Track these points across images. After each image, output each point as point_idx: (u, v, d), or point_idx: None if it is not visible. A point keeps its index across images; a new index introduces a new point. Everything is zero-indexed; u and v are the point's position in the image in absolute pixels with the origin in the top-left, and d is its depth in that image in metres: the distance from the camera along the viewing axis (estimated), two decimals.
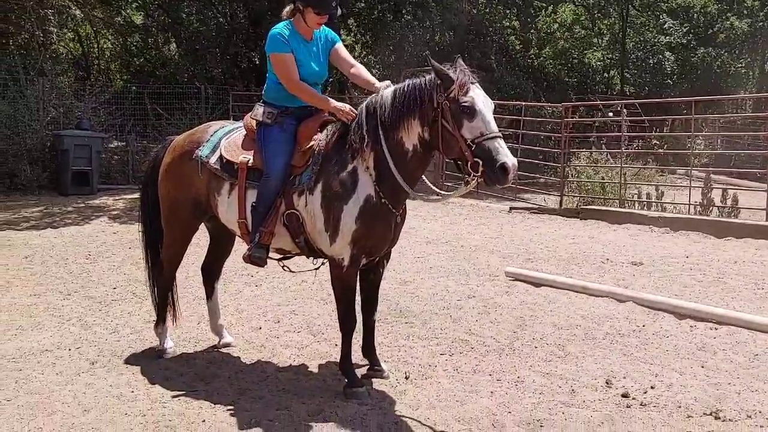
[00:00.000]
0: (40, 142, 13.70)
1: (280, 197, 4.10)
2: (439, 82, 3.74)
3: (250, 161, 4.21)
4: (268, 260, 4.26)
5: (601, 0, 28.42)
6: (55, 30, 14.59)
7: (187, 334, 5.30)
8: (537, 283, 6.88)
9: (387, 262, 4.52)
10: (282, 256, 4.47)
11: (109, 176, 14.81)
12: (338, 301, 4.20)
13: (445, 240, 9.27)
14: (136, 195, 12.78)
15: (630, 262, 7.84)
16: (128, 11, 22.08)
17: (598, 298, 6.35)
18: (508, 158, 3.55)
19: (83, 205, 12.30)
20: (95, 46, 23.55)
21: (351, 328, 4.21)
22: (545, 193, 13.35)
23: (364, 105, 4.02)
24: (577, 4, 30.00)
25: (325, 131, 4.15)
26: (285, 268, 4.51)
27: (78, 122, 13.66)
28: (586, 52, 29.08)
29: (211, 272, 5.10)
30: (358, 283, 4.27)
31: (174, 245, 4.78)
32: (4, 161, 13.30)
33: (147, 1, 21.33)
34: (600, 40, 32.62)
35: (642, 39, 32.48)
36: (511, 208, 12.29)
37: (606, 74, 32.25)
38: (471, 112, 3.62)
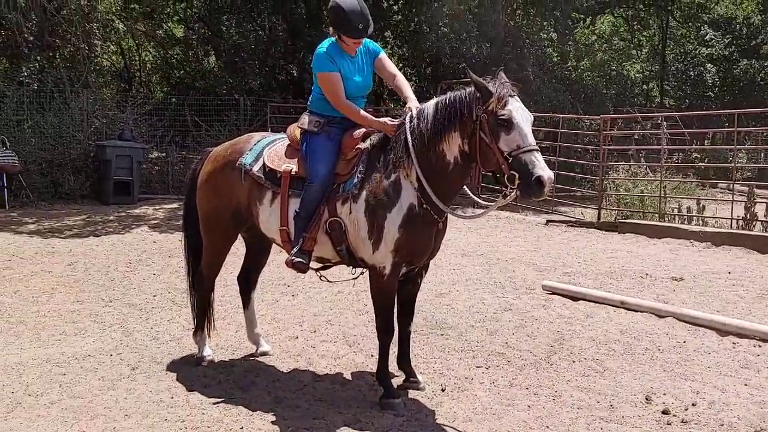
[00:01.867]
0: (84, 152, 14.03)
1: (323, 205, 4.16)
2: (478, 95, 3.77)
3: (294, 170, 4.28)
4: (309, 268, 4.31)
5: (640, 11, 28.09)
6: (99, 42, 14.88)
7: (225, 342, 5.37)
8: (574, 297, 6.81)
9: (425, 272, 4.53)
10: (321, 265, 4.51)
11: (150, 186, 15.10)
12: (377, 311, 4.22)
13: (480, 252, 9.24)
14: (176, 205, 13.14)
15: (670, 277, 7.71)
16: (169, 24, 22.60)
17: (638, 313, 6.25)
18: (544, 171, 3.57)
19: (124, 214, 12.56)
20: (137, 58, 24.09)
21: (389, 337, 4.22)
22: (583, 206, 13.20)
23: (407, 117, 4.07)
24: (616, 15, 29.72)
25: (368, 140, 4.22)
26: (322, 278, 4.54)
27: (120, 133, 13.96)
28: (624, 64, 28.76)
29: (247, 282, 5.16)
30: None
31: (213, 254, 4.86)
32: (49, 170, 13.65)
33: (187, 14, 21.71)
34: (639, 52, 32.26)
35: (682, 51, 32.02)
36: (547, 221, 12.18)
37: (645, 86, 31.83)
38: (508, 124, 3.65)
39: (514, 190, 3.66)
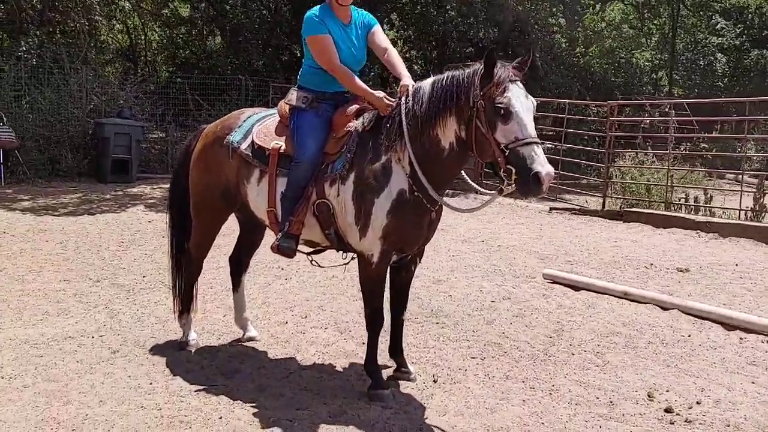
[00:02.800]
0: (82, 129, 13.82)
1: (311, 186, 3.92)
2: (477, 78, 3.48)
3: (282, 147, 4.05)
4: (297, 252, 4.10)
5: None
6: (100, 19, 14.61)
7: (212, 326, 5.18)
8: (576, 287, 6.60)
9: (420, 260, 4.31)
10: (312, 249, 4.30)
11: (149, 165, 14.91)
12: (366, 299, 4.01)
13: (481, 239, 9.03)
14: None
15: (675, 268, 7.49)
16: (175, 3, 22.32)
17: (641, 304, 6.05)
18: (543, 167, 3.26)
19: (121, 192, 12.36)
20: (143, 37, 23.83)
21: (378, 327, 4.01)
22: (587, 194, 12.96)
23: (402, 97, 3.81)
24: (626, 3, 29.30)
25: (361, 119, 3.95)
26: (314, 262, 4.32)
27: (119, 111, 13.73)
28: (634, 52, 28.31)
29: (239, 264, 4.96)
30: (387, 281, 4.08)
31: (202, 234, 4.65)
32: (47, 147, 13.44)
33: None
34: (649, 40, 31.85)
35: (693, 40, 31.64)
36: (551, 209, 11.95)
37: (654, 75, 31.45)
38: (506, 114, 3.34)
39: (511, 185, 3.38)
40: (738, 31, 30.76)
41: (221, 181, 4.38)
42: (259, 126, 4.29)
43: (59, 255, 7.45)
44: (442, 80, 3.65)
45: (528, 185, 3.28)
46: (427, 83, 3.75)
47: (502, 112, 3.33)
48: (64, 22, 14.57)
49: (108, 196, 11.91)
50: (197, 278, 4.85)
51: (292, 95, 4.15)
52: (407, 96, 3.79)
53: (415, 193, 3.72)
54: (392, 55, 4.14)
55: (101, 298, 5.89)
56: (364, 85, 4.01)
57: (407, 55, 20.62)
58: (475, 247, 8.49)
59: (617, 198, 11.86)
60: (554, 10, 22.90)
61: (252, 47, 19.10)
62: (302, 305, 5.78)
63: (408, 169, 3.71)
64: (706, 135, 18.14)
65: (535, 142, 3.33)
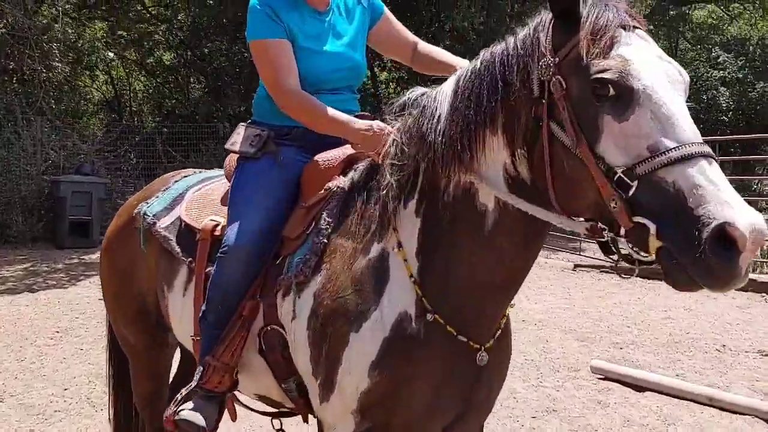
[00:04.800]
0: (37, 188, 12.24)
1: (250, 297, 2.22)
2: (545, 35, 1.74)
3: (221, 225, 2.41)
4: (254, 412, 2.47)
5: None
6: (60, 65, 13.16)
7: None
8: (639, 387, 4.97)
9: None
10: (275, 410, 2.54)
11: None
12: None
13: None
14: None
15: (757, 351, 5.87)
16: (159, 52, 21.30)
17: (736, 415, 4.42)
18: (740, 214, 1.39)
19: (76, 261, 10.72)
20: (128, 87, 22.78)
21: None
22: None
23: (398, 124, 2.08)
24: None
25: (351, 174, 2.24)
26: (280, 431, 2.54)
27: (78, 166, 12.21)
28: None
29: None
30: None
31: (135, 379, 2.96)
32: None
33: (169, 38, 20.27)
34: None
35: (694, 74, 30.56)
36: (575, 266, 10.34)
37: None
38: (623, 95, 1.57)
39: (646, 259, 1.56)
40: (740, 63, 29.80)
41: (133, 290, 2.76)
42: (194, 192, 2.69)
43: None
44: (474, 67, 1.88)
45: (702, 264, 1.40)
46: (446, 85, 1.98)
47: (614, 91, 1.57)
48: (20, 69, 13.06)
49: (60, 266, 10.26)
50: None
51: (237, 134, 2.48)
52: (409, 120, 2.03)
53: (433, 318, 1.92)
54: (427, 48, 2.57)
55: None
56: (338, 115, 2.24)
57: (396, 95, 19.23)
58: None
59: None
60: None
61: (233, 92, 17.76)
62: None
63: (415, 267, 1.97)
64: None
65: (703, 155, 1.49)
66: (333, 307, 2.02)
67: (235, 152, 2.45)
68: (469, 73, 1.89)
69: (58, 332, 6.63)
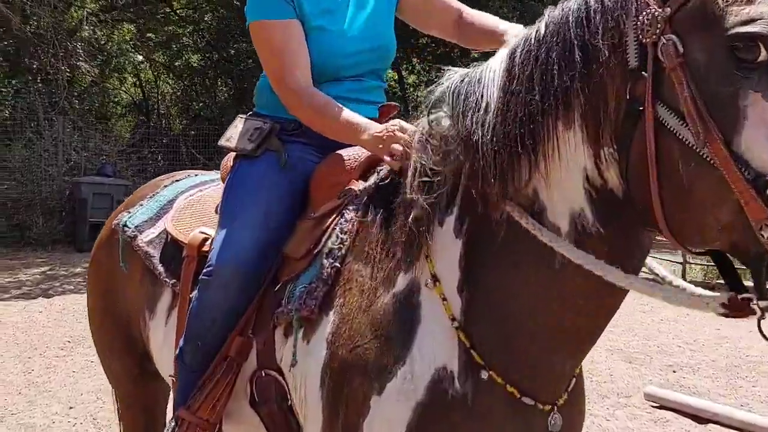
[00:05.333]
0: (58, 190, 12.00)
1: (242, 334, 1.74)
2: None
3: (211, 240, 1.95)
4: None
5: None
6: (84, 65, 12.93)
7: None
8: (701, 418, 4.45)
9: None
10: None
11: None
12: None
13: None
14: None
15: None
16: (188, 55, 21.20)
17: None
18: None
19: None
20: (156, 90, 22.69)
21: None
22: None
23: (426, 120, 1.53)
24: None
25: (373, 178, 1.74)
26: None
27: (99, 168, 11.94)
28: None
29: None
30: None
31: (119, 413, 2.52)
32: (15, 212, 11.61)
33: (195, 40, 20.14)
34: None
35: None
36: None
37: None
38: None
39: None
40: None
41: (118, 312, 2.31)
42: (185, 199, 2.25)
43: None
44: (537, 35, 1.35)
45: None
46: (494, 61, 1.45)
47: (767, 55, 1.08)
48: (44, 68, 12.86)
49: (78, 270, 9.94)
50: None
51: (234, 128, 2.02)
52: (432, 106, 1.53)
53: (488, 376, 1.42)
54: (476, 15, 2.03)
55: None
56: (353, 119, 1.75)
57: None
58: None
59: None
60: None
61: None
62: None
63: (457, 307, 1.46)
64: None
65: None
66: (349, 361, 1.50)
67: (229, 149, 1.99)
68: (529, 42, 1.34)
69: (69, 342, 6.29)
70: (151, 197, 2.34)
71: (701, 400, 4.66)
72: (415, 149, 1.51)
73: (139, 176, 13.46)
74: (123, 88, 22.38)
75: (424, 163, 1.48)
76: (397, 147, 1.59)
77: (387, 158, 1.62)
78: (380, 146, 1.65)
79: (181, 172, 2.64)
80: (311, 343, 1.60)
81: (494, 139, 1.36)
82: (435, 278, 1.47)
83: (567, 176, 1.32)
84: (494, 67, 1.42)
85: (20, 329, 6.70)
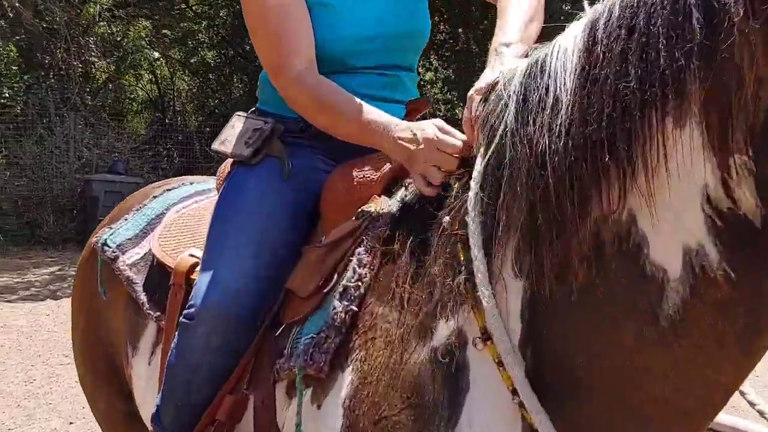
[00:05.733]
0: (69, 187, 11.76)
1: (234, 391, 1.41)
2: None
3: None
4: None
5: None
6: (97, 60, 12.70)
7: None
8: None
9: None
10: None
11: None
12: None
13: None
14: None
15: None
16: (204, 51, 21.03)
17: None
18: None
19: None
20: (172, 87, 22.58)
21: None
22: None
23: (485, 111, 1.17)
24: None
25: (400, 193, 1.38)
26: None
27: (111, 165, 11.72)
28: None
29: None
30: None
31: None
32: (26, 209, 11.38)
33: (210, 36, 20.00)
34: None
35: None
36: None
37: None
38: None
39: None
40: None
41: (101, 342, 2.00)
42: (178, 211, 1.95)
43: None
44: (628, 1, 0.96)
45: None
46: (566, 38, 1.07)
47: None
48: (57, 64, 12.64)
49: None
50: None
51: (231, 128, 1.68)
52: (490, 107, 1.16)
53: None
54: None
55: None
56: (373, 117, 1.39)
57: (447, 96, 18.50)
58: None
59: None
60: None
61: None
62: None
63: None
64: None
65: None
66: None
67: (224, 154, 1.66)
68: (617, 9, 0.97)
69: None
70: (137, 210, 2.04)
71: (750, 423, 4.28)
72: (474, 180, 1.14)
73: (152, 173, 13.24)
74: (139, 85, 22.29)
75: (482, 196, 1.12)
76: (435, 174, 1.23)
77: (419, 181, 1.26)
78: (408, 158, 1.28)
79: (175, 179, 2.33)
80: (323, 408, 1.26)
81: (569, 145, 0.99)
82: (485, 335, 1.10)
83: (678, 196, 0.95)
84: (566, 46, 1.05)
85: (25, 334, 6.44)
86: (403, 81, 1.67)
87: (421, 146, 1.26)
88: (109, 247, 1.92)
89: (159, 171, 13.54)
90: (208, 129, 16.12)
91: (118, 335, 1.89)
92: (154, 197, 2.08)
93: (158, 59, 20.68)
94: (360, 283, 1.27)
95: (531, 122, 1.05)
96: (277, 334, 1.38)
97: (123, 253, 1.89)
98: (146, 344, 1.76)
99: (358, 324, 1.26)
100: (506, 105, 1.10)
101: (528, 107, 1.07)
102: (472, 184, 1.13)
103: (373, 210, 1.34)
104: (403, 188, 1.37)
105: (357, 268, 1.29)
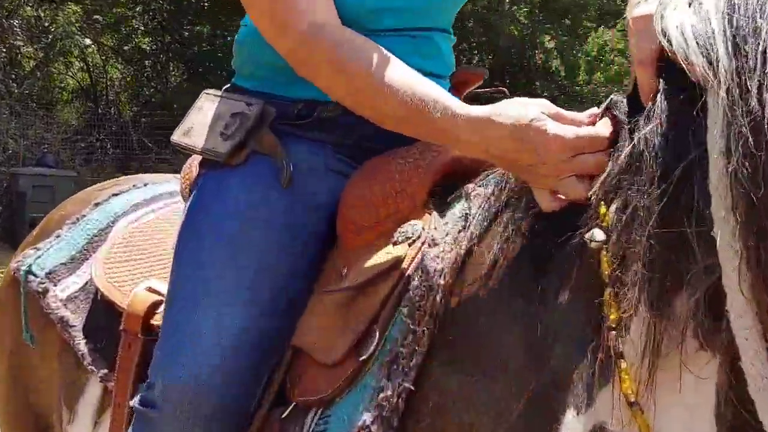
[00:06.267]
0: None
1: None
2: None
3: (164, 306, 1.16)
4: None
5: None
6: (22, 44, 11.92)
7: None
8: None
9: None
10: None
11: None
12: None
13: None
14: None
15: None
16: (138, 38, 20.20)
17: None
18: None
19: None
20: (104, 75, 21.70)
21: None
22: None
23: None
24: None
25: (460, 206, 0.98)
26: None
27: (39, 158, 11.06)
28: None
29: None
30: None
31: None
32: None
33: (146, 22, 19.31)
34: None
35: None
36: None
37: None
38: None
39: None
40: None
41: (28, 399, 1.49)
42: (129, 225, 1.46)
43: None
44: None
45: None
46: None
47: None
48: None
49: None
50: None
51: (199, 112, 1.21)
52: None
53: None
54: None
55: None
56: (429, 92, 0.91)
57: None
58: None
59: None
60: (553, 33, 20.97)
61: (214, 78, 16.76)
62: None
63: None
64: None
65: None
66: None
67: (190, 150, 1.21)
68: None
69: None
70: (74, 223, 1.52)
71: None
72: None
73: (85, 166, 12.59)
74: (69, 73, 21.33)
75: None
76: (574, 187, 0.81)
77: (543, 198, 0.83)
78: (523, 169, 0.85)
79: (123, 178, 1.82)
80: None
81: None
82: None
83: None
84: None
85: None
86: (437, 44, 1.22)
87: (520, 141, 0.83)
88: (36, 276, 1.42)
89: (93, 163, 12.92)
90: (144, 119, 15.54)
91: (49, 391, 1.42)
92: (97, 205, 1.55)
93: (90, 46, 19.83)
94: (415, 344, 0.86)
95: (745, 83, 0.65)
96: (283, 416, 0.94)
97: (55, 284, 1.40)
98: (87, 410, 1.30)
99: (422, 408, 0.83)
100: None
101: (739, 60, 0.66)
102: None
103: (421, 231, 0.92)
104: (463, 199, 0.93)
105: (406, 320, 0.88)
